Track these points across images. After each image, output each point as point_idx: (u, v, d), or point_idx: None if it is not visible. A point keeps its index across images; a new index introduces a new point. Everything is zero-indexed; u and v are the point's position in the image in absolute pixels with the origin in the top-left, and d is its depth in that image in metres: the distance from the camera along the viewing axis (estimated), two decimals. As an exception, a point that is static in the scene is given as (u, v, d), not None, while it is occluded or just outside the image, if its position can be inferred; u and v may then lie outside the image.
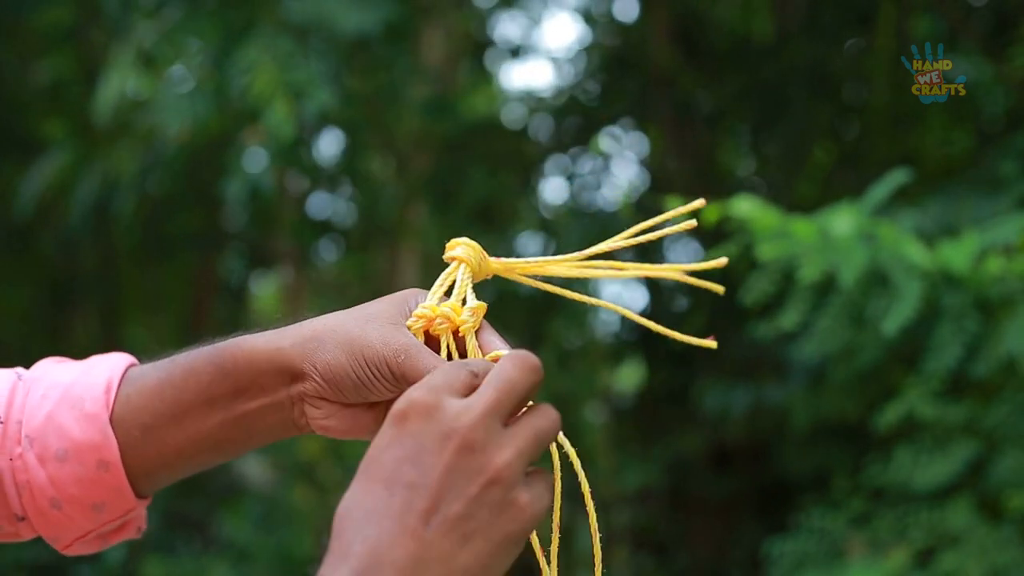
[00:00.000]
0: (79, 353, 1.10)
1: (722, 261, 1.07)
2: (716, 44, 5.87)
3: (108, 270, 6.91)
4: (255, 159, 4.53)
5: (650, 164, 6.41)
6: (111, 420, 1.00)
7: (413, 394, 0.83)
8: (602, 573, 1.01)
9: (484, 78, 7.00)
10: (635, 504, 6.18)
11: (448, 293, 1.02)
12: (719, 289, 1.10)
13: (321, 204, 7.54)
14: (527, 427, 0.83)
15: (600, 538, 0.98)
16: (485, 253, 1.04)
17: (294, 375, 0.97)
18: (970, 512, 3.21)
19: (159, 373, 1.00)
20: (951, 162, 4.49)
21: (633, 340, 6.38)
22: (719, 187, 5.20)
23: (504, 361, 0.86)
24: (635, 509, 6.19)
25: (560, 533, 0.96)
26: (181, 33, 4.28)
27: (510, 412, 0.83)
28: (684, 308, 5.83)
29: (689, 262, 1.21)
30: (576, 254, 1.06)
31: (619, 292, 6.39)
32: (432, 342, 1.00)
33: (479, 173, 5.77)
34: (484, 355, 0.98)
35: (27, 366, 1.07)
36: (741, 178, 6.04)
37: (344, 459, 5.86)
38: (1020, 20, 3.82)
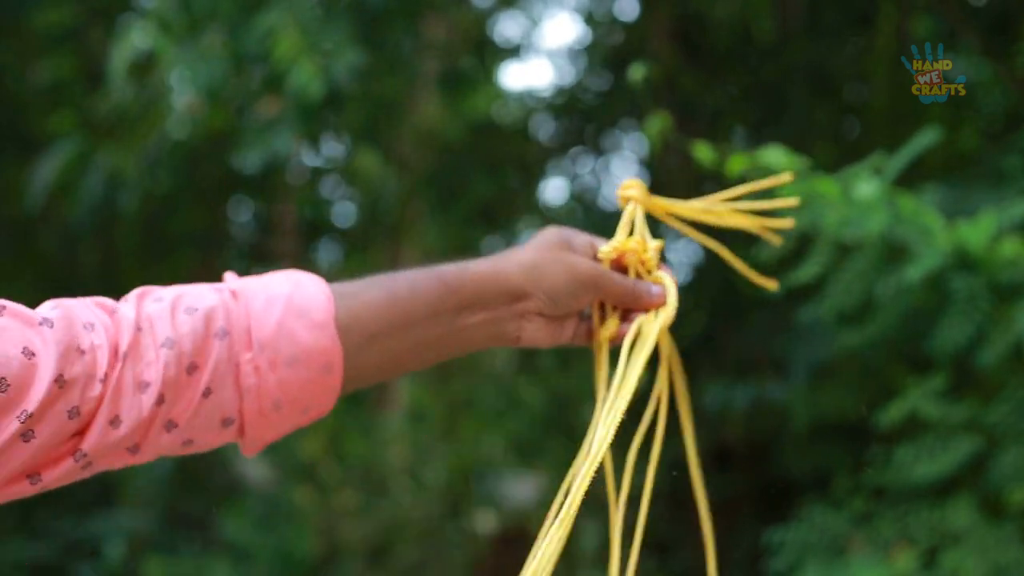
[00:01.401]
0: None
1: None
2: (716, 44, 5.87)
3: (109, 268, 6.90)
4: (273, 133, 4.25)
5: (650, 164, 6.41)
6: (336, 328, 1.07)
7: None
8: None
9: (484, 78, 7.00)
10: (635, 504, 6.16)
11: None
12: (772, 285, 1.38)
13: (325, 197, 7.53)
14: None
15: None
16: (649, 193, 1.25)
17: (518, 296, 1.13)
18: (971, 510, 3.21)
19: (380, 290, 1.10)
20: (952, 162, 4.49)
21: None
22: (719, 187, 5.19)
23: None
24: (635, 509, 6.17)
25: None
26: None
27: None
28: (684, 306, 5.83)
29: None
30: (715, 195, 1.32)
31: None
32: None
33: (480, 172, 5.77)
34: (659, 283, 1.26)
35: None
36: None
37: (344, 459, 5.87)
38: (1020, 20, 3.82)
